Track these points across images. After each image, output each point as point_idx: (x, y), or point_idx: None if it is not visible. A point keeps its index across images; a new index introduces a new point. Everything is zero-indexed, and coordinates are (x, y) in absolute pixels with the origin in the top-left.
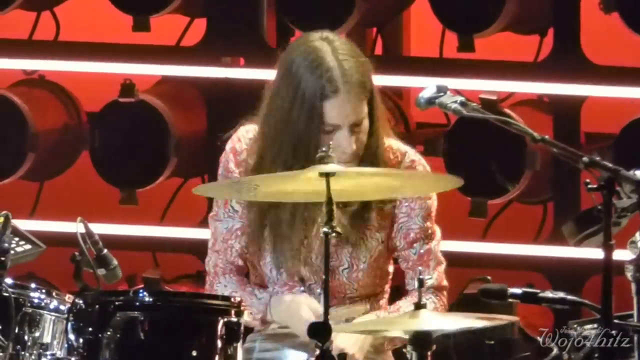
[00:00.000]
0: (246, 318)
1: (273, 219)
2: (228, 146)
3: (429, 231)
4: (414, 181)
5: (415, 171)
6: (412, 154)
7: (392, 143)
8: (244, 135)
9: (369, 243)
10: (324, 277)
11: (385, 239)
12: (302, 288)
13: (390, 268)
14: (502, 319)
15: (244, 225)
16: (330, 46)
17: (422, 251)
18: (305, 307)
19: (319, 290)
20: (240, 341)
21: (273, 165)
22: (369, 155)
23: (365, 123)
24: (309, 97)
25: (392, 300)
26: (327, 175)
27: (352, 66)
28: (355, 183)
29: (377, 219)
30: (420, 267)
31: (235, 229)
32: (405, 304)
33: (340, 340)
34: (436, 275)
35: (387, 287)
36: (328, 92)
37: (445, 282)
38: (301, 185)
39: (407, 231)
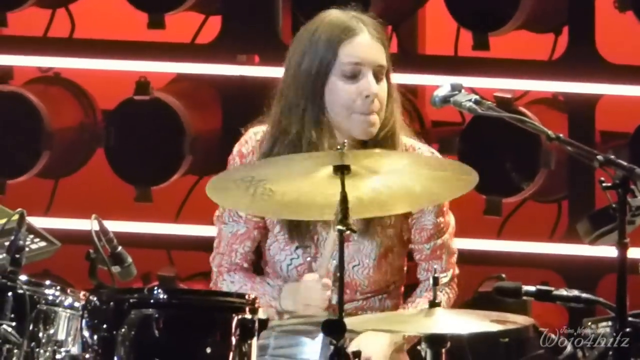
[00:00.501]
0: (260, 314)
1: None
2: (235, 149)
3: (442, 226)
4: (432, 184)
5: (431, 156)
6: (425, 149)
7: (405, 140)
8: (251, 138)
9: (377, 240)
10: (338, 274)
11: (394, 235)
12: None
13: (404, 263)
14: (518, 322)
15: (248, 229)
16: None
17: (435, 246)
18: (311, 282)
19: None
20: (255, 338)
21: (284, 142)
22: (384, 139)
23: (385, 83)
24: (324, 41)
25: (406, 296)
26: (342, 173)
27: (373, 22)
28: (371, 189)
29: (387, 216)
30: (433, 261)
31: (240, 234)
32: (422, 300)
33: (365, 347)
34: (446, 266)
35: (401, 285)
36: (346, 34)
37: (456, 271)
38: (316, 186)
39: (421, 227)
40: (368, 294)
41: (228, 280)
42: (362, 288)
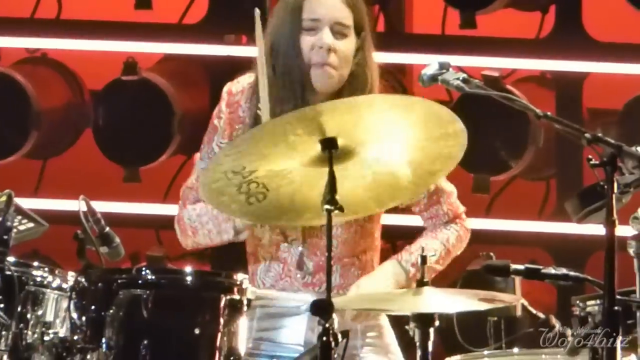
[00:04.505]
0: (249, 293)
1: None
2: (225, 88)
3: None
4: (418, 155)
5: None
6: None
7: None
8: (244, 79)
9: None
10: (307, 237)
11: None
12: (285, 244)
13: (377, 233)
14: (507, 301)
15: None
16: None
17: (429, 192)
18: None
19: (300, 248)
20: (244, 318)
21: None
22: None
23: (350, 43)
24: (292, 2)
25: None
26: (329, 151)
27: None
28: (369, 180)
29: None
30: (433, 207)
31: None
32: (422, 239)
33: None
34: (447, 207)
35: (374, 256)
36: None
37: (460, 209)
38: (309, 178)
39: None
40: (340, 257)
41: (190, 208)
42: (333, 249)
